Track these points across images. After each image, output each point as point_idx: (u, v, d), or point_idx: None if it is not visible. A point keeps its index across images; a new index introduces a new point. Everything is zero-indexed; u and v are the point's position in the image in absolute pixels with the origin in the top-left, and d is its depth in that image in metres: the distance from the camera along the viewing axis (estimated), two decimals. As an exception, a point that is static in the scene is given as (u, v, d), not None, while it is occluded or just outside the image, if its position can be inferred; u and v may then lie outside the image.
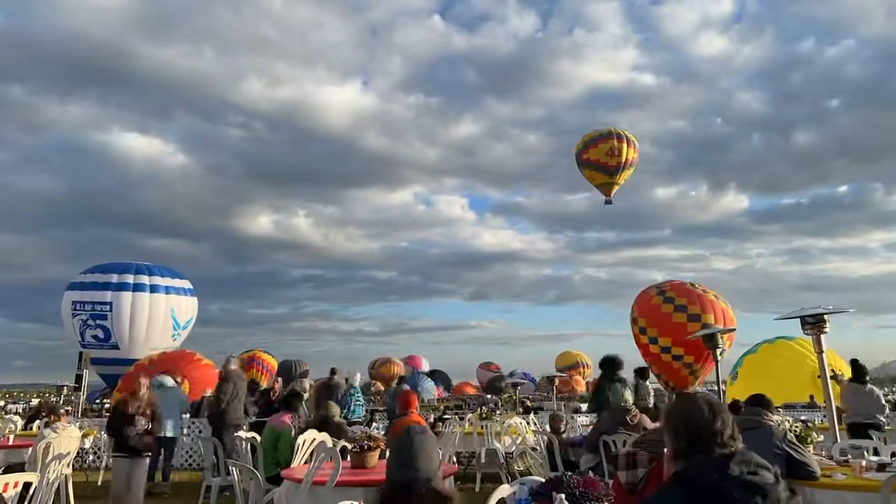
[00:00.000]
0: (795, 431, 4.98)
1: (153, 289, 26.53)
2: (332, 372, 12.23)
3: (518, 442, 9.79)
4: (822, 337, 6.19)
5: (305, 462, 5.84)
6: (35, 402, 29.77)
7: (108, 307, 25.68)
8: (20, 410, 24.05)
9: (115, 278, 26.13)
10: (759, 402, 4.86)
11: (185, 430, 10.64)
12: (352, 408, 11.33)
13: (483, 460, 9.89)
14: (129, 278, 26.28)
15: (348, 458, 5.31)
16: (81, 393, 19.58)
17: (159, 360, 19.30)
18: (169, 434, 9.41)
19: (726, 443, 2.09)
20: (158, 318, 26.47)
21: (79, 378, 19.86)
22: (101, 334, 25.76)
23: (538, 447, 8.59)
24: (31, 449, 6.80)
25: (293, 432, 6.49)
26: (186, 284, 28.17)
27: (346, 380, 12.11)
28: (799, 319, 6.29)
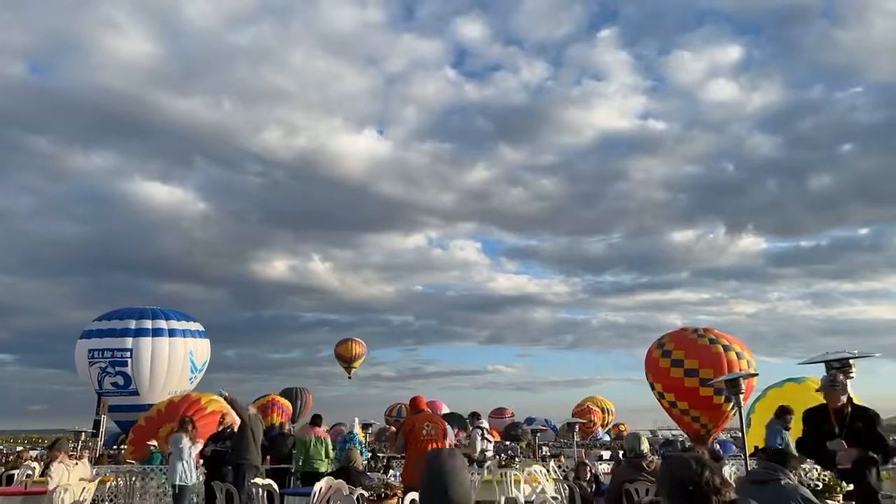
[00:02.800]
0: (825, 480, 4.83)
1: (171, 333, 26.49)
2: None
3: (538, 490, 9.59)
4: (849, 382, 6.07)
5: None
6: (53, 447, 29.66)
7: (128, 353, 25.50)
8: (38, 456, 23.97)
9: (133, 324, 25.99)
10: (778, 460, 4.70)
11: (201, 478, 10.54)
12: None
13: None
14: (148, 323, 26.21)
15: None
16: (99, 439, 19.58)
17: (167, 410, 19.16)
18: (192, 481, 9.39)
19: (719, 489, 2.15)
20: (178, 361, 26.39)
21: (97, 424, 19.90)
22: (121, 381, 25.53)
23: (559, 496, 8.40)
24: (46, 495, 6.79)
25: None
26: (200, 327, 28.26)
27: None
28: (824, 364, 6.19)
